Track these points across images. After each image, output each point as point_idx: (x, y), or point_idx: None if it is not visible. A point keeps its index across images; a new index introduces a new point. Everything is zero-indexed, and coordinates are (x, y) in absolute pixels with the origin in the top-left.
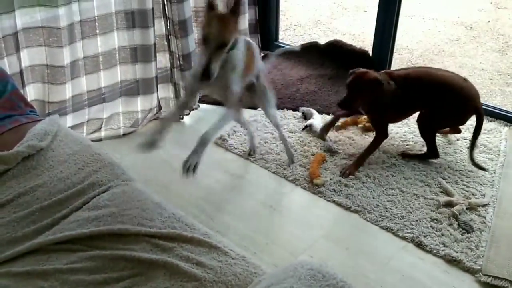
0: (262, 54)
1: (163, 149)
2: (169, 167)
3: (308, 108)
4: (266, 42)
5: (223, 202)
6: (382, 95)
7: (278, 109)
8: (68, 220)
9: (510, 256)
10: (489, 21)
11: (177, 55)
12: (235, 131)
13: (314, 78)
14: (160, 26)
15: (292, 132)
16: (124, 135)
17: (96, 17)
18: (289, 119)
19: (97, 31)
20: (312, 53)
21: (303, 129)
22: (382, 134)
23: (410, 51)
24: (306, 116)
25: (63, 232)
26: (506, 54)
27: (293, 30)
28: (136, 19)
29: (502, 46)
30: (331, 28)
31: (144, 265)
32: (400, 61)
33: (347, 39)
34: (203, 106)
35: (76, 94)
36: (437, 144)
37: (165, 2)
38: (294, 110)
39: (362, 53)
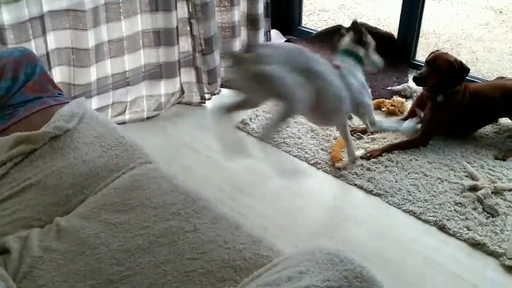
0: (285, 39)
1: (185, 133)
2: (192, 150)
3: None
4: (289, 27)
5: (244, 184)
6: (452, 82)
7: None
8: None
9: None
10: None
11: (199, 39)
12: (257, 115)
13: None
14: (182, 9)
15: None
16: (147, 118)
17: (120, 0)
18: None
19: (122, 15)
20: (336, 37)
21: None
22: (423, 138)
23: (437, 36)
24: None
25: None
26: None
27: (317, 15)
28: (159, 2)
29: None
30: (356, 12)
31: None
32: (426, 45)
33: (372, 24)
34: (224, 90)
35: (101, 77)
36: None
37: None
38: None
39: (387, 36)
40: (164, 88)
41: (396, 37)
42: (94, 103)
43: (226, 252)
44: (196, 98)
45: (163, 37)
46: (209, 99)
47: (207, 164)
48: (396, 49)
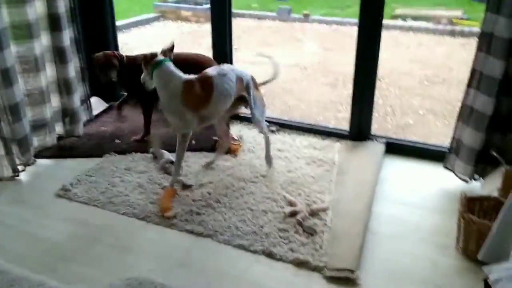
0: (108, 105)
1: None
2: (6, 227)
3: (158, 149)
4: (110, 94)
5: (69, 251)
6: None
7: (128, 153)
8: None
9: (348, 249)
10: (319, 62)
11: (4, 108)
12: (79, 180)
13: (161, 121)
14: None
15: (141, 173)
16: None
17: None
18: (139, 161)
19: None
20: None
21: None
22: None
23: None
24: (156, 156)
25: None
26: (336, 86)
27: None
28: None
29: (332, 80)
30: None
31: None
32: None
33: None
34: (40, 161)
35: None
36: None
37: None
38: (143, 152)
39: None
40: None
41: None
42: None
43: None
44: (7, 172)
45: None
46: (23, 170)
47: (24, 239)
48: None
